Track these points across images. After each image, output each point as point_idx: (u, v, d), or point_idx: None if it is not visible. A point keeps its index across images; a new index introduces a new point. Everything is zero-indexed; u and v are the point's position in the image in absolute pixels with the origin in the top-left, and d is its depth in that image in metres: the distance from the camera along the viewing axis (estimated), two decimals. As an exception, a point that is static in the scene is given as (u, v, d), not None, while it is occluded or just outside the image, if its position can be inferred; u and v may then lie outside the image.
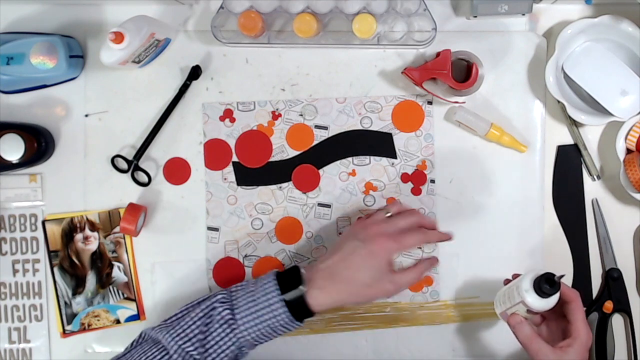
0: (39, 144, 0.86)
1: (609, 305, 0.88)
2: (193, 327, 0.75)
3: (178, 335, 0.75)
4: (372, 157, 0.90)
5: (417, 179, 0.90)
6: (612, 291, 0.89)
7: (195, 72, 0.88)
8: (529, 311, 0.73)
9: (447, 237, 0.84)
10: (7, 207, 0.89)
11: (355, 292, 0.77)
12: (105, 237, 0.89)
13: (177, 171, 0.90)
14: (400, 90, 0.90)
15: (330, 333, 0.90)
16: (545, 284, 0.70)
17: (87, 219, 0.89)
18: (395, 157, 0.90)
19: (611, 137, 0.87)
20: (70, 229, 0.89)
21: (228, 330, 0.74)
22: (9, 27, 0.88)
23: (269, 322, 0.74)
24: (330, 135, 0.90)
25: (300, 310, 0.75)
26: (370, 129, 0.90)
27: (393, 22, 0.88)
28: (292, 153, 0.90)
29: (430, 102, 0.90)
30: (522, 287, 0.72)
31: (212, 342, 0.74)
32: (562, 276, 0.70)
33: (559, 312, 0.76)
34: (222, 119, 0.89)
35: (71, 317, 0.89)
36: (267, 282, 0.76)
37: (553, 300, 0.72)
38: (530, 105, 0.90)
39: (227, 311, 0.75)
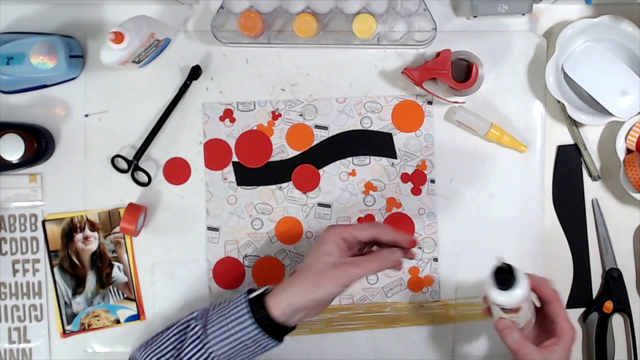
0: (39, 144, 0.86)
1: (609, 305, 0.88)
2: (167, 343, 0.75)
3: (153, 352, 0.74)
4: (372, 157, 0.90)
5: (417, 179, 0.90)
6: (612, 291, 0.89)
7: (195, 72, 0.88)
8: (505, 310, 0.71)
9: (406, 239, 0.76)
10: (7, 207, 0.89)
11: (310, 282, 0.72)
12: (105, 237, 0.89)
13: (177, 171, 0.90)
14: (400, 90, 0.90)
15: (330, 333, 0.90)
16: (500, 274, 0.67)
17: (87, 219, 0.89)
18: (395, 157, 0.90)
19: (611, 137, 0.87)
20: (70, 229, 0.89)
21: (200, 346, 0.73)
22: (9, 27, 0.88)
23: (237, 335, 0.72)
24: (330, 135, 0.90)
25: (266, 320, 0.72)
26: (370, 129, 0.90)
27: (393, 22, 0.88)
28: (292, 153, 0.90)
29: (430, 102, 0.90)
30: (485, 287, 0.69)
31: (186, 359, 0.73)
32: (503, 265, 0.68)
33: (541, 311, 0.76)
34: (222, 119, 0.89)
35: (71, 317, 0.89)
36: (238, 296, 0.74)
37: (518, 292, 0.68)
38: (530, 105, 0.90)
39: (199, 327, 0.74)
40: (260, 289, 0.74)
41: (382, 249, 0.76)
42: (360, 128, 0.90)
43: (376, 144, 0.90)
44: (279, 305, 0.71)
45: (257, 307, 0.72)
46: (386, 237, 0.76)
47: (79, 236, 0.89)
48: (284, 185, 0.90)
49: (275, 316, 0.71)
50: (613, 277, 0.89)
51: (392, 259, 0.75)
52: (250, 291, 0.75)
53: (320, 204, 0.90)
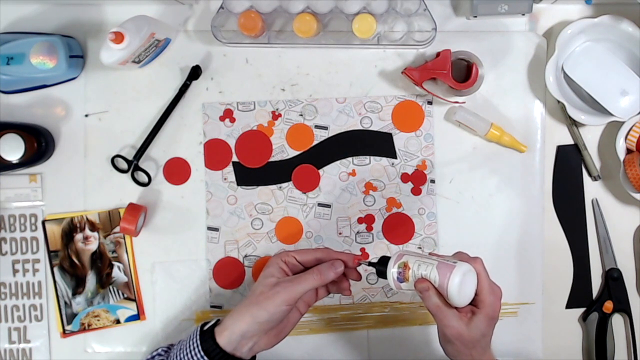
0: (39, 144, 0.86)
1: (609, 305, 0.88)
2: None
3: None
4: (372, 157, 0.90)
5: (417, 179, 0.90)
6: (612, 291, 0.89)
7: (195, 72, 0.88)
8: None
9: (349, 257, 0.75)
10: (7, 207, 0.89)
11: (251, 305, 0.71)
12: (105, 237, 0.89)
13: (177, 171, 0.90)
14: (400, 90, 0.90)
15: (330, 333, 0.90)
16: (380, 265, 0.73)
17: (87, 219, 0.89)
18: (395, 157, 0.90)
19: (611, 137, 0.87)
20: (70, 229, 0.89)
21: None
22: (9, 27, 0.88)
23: None
24: (330, 135, 0.90)
25: (214, 351, 0.70)
26: (370, 129, 0.90)
27: (393, 22, 0.88)
28: (292, 153, 0.90)
29: (430, 102, 0.90)
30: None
31: None
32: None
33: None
34: (222, 119, 0.89)
35: (71, 317, 0.89)
36: (195, 328, 0.73)
37: (389, 277, 0.71)
38: (530, 105, 0.90)
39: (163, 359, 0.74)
40: (213, 320, 0.73)
41: (321, 265, 0.74)
42: (360, 128, 0.90)
43: (376, 144, 0.90)
44: (224, 334, 0.70)
45: (206, 338, 0.71)
46: (329, 258, 0.75)
47: (79, 236, 0.89)
48: (284, 185, 0.90)
49: (222, 345, 0.70)
50: (613, 277, 0.89)
51: (333, 270, 0.73)
52: (207, 323, 0.74)
53: (320, 204, 0.90)
